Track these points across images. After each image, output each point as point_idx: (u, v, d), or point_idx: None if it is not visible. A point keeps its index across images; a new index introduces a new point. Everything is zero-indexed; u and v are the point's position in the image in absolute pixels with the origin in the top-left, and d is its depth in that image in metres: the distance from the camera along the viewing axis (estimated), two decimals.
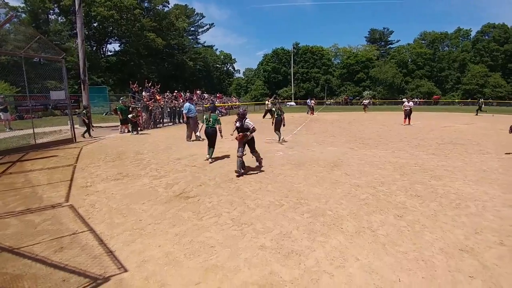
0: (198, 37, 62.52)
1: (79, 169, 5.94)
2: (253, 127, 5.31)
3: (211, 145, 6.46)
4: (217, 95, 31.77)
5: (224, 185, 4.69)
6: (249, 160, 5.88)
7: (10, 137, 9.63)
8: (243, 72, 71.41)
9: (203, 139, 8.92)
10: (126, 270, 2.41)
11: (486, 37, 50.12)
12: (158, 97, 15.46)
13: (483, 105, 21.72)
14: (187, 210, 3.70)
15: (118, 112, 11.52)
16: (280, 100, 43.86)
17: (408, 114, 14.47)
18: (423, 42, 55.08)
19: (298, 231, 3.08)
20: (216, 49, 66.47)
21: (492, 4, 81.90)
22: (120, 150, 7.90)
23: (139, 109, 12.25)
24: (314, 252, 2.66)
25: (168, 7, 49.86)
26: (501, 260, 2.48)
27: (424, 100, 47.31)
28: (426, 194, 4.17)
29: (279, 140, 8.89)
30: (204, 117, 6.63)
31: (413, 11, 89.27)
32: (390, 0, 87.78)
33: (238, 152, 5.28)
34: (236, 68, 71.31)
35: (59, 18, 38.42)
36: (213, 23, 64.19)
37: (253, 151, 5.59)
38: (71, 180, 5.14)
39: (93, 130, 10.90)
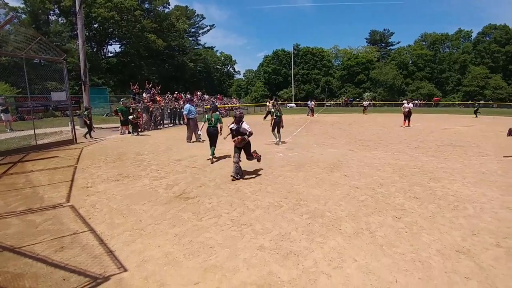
0: (198, 38, 62.83)
1: (80, 169, 5.97)
2: (250, 131, 5.04)
3: (213, 144, 6.52)
4: (218, 96, 31.84)
5: (224, 186, 4.72)
6: (247, 164, 5.88)
7: (11, 138, 9.70)
8: (244, 73, 71.79)
9: (203, 140, 8.98)
10: (126, 270, 2.44)
11: (487, 38, 50.09)
12: (158, 99, 15.52)
13: (479, 108, 22.05)
14: (187, 211, 3.72)
15: (119, 113, 11.58)
16: (280, 102, 44.11)
17: (407, 116, 14.51)
18: (424, 43, 55.16)
19: (297, 232, 3.11)
20: (217, 50, 66.78)
21: (493, 5, 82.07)
22: (121, 151, 7.94)
23: (139, 110, 12.29)
24: (313, 253, 2.69)
25: (169, 9, 50.13)
26: (497, 262, 2.51)
27: (425, 102, 47.35)
28: (425, 196, 4.19)
29: (276, 141, 8.93)
30: (206, 116, 6.66)
31: (414, 12, 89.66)
32: (390, 1, 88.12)
33: (234, 157, 5.10)
34: (236, 70, 71.68)
35: (60, 19, 38.55)
36: (214, 25, 64.59)
37: (249, 156, 5.30)
38: (72, 180, 5.17)
39: (94, 131, 10.95)
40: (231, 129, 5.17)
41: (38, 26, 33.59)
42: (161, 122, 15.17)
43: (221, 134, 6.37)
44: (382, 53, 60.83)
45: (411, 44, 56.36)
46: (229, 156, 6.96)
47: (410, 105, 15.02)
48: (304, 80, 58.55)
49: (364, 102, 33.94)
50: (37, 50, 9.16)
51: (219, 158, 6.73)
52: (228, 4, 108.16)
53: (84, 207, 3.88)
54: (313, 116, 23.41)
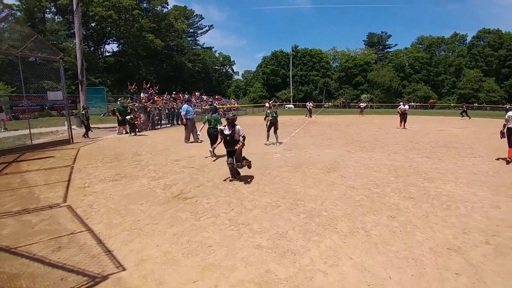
0: (197, 38, 62.82)
1: (76, 170, 5.95)
2: (244, 135, 4.80)
3: (214, 143, 6.59)
4: (216, 97, 31.82)
5: (222, 186, 4.75)
6: (244, 167, 5.90)
7: (5, 137, 9.60)
8: (242, 74, 71.83)
9: (202, 140, 9.01)
10: (124, 269, 2.45)
11: (481, 42, 51.01)
12: (156, 99, 15.49)
13: (464, 111, 22.94)
14: (185, 211, 3.75)
15: (116, 113, 11.54)
16: (278, 103, 44.30)
17: (403, 118, 14.68)
18: (420, 46, 55.84)
19: (294, 231, 3.15)
20: (215, 51, 66.80)
21: (488, 10, 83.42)
22: (118, 151, 7.92)
23: (136, 110, 12.27)
24: (309, 251, 2.73)
25: (167, 8, 50.12)
26: (486, 258, 2.60)
27: (421, 104, 47.89)
28: (419, 196, 4.27)
29: (268, 142, 9.05)
30: (206, 117, 6.74)
31: (411, 15, 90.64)
32: (388, 4, 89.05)
33: (227, 161, 4.90)
34: (235, 70, 71.70)
35: (56, 17, 38.26)
36: (212, 25, 64.68)
37: (239, 163, 4.89)
38: (69, 180, 5.15)
39: (91, 131, 10.90)
40: (224, 135, 4.81)
41: (33, 24, 33.24)
42: (159, 122, 15.14)
43: None
44: (380, 55, 61.42)
45: (408, 47, 57.16)
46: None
47: (406, 106, 15.20)
48: (302, 81, 58.83)
49: (361, 104, 34.19)
50: (33, 49, 9.07)
51: (218, 157, 6.75)
52: (227, 5, 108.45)
53: (82, 207, 3.88)
54: (311, 117, 23.54)
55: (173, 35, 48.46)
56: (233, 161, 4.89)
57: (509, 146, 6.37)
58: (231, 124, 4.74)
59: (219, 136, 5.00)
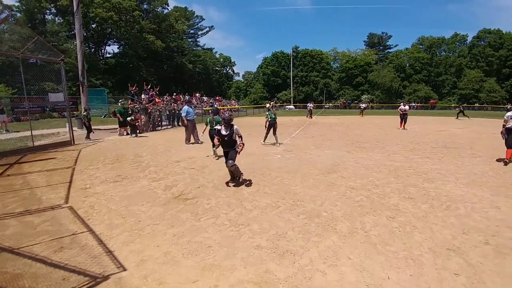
0: (197, 39, 62.88)
1: (78, 171, 5.99)
2: (241, 134, 4.68)
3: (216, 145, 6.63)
4: (217, 98, 31.92)
5: (222, 187, 4.77)
6: (244, 166, 5.95)
7: (7, 139, 9.66)
8: (243, 75, 71.87)
9: (202, 142, 9.04)
10: (125, 269, 2.48)
11: (482, 42, 50.93)
12: (157, 100, 15.55)
13: (461, 111, 23.23)
14: (185, 212, 3.77)
15: (117, 115, 11.59)
16: (278, 104, 44.33)
17: (403, 118, 14.68)
18: (421, 47, 55.79)
19: (294, 231, 3.17)
20: (216, 52, 66.89)
21: (488, 10, 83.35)
22: (119, 152, 7.95)
23: (137, 111, 12.32)
24: (308, 251, 2.75)
25: (168, 9, 50.23)
26: (485, 258, 2.60)
27: (421, 104, 47.83)
28: (419, 196, 4.28)
29: (263, 141, 9.21)
30: (208, 119, 6.79)
31: (411, 16, 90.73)
32: (389, 5, 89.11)
33: (228, 164, 4.69)
34: (235, 71, 71.82)
35: (56, 18, 38.40)
36: (213, 26, 64.73)
37: (232, 160, 4.68)
38: (70, 182, 5.19)
39: (93, 133, 10.95)
40: (222, 135, 4.59)
41: (33, 25, 33.35)
42: (160, 123, 15.19)
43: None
44: (380, 56, 61.41)
45: (408, 48, 57.04)
46: None
47: (406, 107, 15.21)
48: (303, 82, 58.87)
49: (361, 105, 34.19)
50: (34, 50, 9.11)
51: (220, 157, 6.78)
52: (227, 6, 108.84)
53: (83, 208, 3.91)
54: (312, 118, 23.55)
55: (174, 36, 48.59)
56: (233, 161, 4.74)
57: (507, 147, 6.35)
58: (228, 124, 4.58)
59: (215, 137, 4.71)
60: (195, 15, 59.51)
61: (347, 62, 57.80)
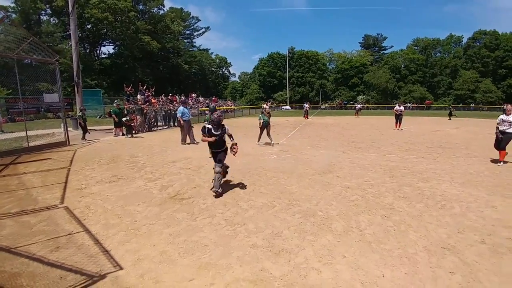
0: (193, 40, 62.76)
1: (73, 171, 5.94)
2: (230, 133, 4.42)
3: None
4: (213, 98, 31.87)
5: None
6: (240, 166, 5.96)
7: (2, 140, 9.56)
8: (239, 75, 71.97)
9: (198, 142, 9.03)
10: (121, 268, 2.48)
11: (477, 43, 51.54)
12: (153, 101, 15.49)
13: (452, 111, 24.17)
14: (181, 211, 3.77)
15: (112, 115, 11.52)
16: (274, 104, 44.39)
17: (399, 119, 14.83)
18: (416, 48, 56.37)
19: (289, 230, 3.20)
20: (212, 53, 66.75)
21: (485, 11, 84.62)
22: (115, 153, 7.91)
23: (132, 112, 12.25)
24: (304, 250, 2.78)
25: (164, 10, 50.04)
26: (481, 257, 2.63)
27: (417, 105, 48.30)
28: (413, 196, 4.33)
29: (258, 141, 9.28)
30: (206, 118, 6.78)
31: (406, 17, 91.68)
32: (384, 6, 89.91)
33: (216, 169, 4.32)
34: (231, 72, 71.78)
35: (51, 19, 38.08)
36: (209, 27, 64.49)
37: (222, 163, 4.41)
38: (66, 182, 5.15)
39: (89, 133, 10.87)
40: (213, 134, 4.25)
41: (29, 26, 33.07)
42: (155, 124, 15.13)
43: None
44: (376, 57, 61.94)
45: (403, 49, 57.66)
46: None
47: (401, 107, 15.37)
48: (299, 83, 59.12)
49: (356, 105, 34.42)
50: (29, 51, 9.04)
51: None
52: (223, 7, 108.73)
53: (79, 208, 3.89)
54: (307, 118, 23.66)
55: (170, 37, 48.43)
56: (222, 166, 4.41)
57: (500, 149, 6.44)
58: (218, 125, 4.25)
59: (203, 135, 4.37)
60: (191, 16, 59.45)
61: (343, 63, 58.19)
